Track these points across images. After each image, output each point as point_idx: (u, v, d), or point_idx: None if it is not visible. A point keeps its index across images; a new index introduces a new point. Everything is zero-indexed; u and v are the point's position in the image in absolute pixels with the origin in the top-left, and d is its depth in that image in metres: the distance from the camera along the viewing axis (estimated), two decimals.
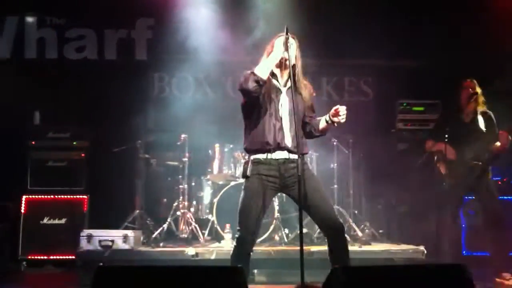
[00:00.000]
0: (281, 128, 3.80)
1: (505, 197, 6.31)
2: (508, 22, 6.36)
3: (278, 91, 3.89)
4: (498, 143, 5.22)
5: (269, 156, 3.80)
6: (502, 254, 5.37)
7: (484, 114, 5.47)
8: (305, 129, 4.00)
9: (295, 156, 3.78)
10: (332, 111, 3.79)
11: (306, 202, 3.75)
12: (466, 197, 5.77)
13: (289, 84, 3.86)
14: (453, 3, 7.04)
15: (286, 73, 3.89)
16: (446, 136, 5.34)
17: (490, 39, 6.74)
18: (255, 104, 3.82)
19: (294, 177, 3.75)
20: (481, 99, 5.49)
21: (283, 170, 3.79)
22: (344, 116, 3.75)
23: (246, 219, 3.77)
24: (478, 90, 5.44)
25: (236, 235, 3.83)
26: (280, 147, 3.79)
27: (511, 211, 6.33)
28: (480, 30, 6.81)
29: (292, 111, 3.77)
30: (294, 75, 3.84)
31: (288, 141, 3.80)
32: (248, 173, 3.80)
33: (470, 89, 5.44)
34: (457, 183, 5.32)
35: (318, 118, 3.99)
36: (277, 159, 3.81)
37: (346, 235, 3.88)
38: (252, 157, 3.84)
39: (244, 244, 3.81)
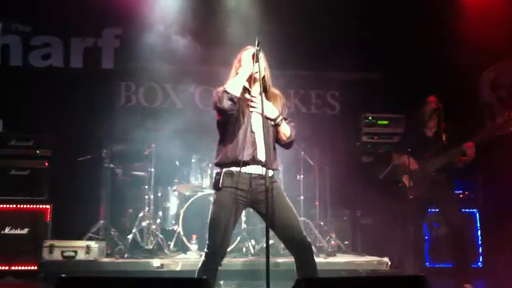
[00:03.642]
0: (255, 142, 3.76)
1: (466, 210, 6.46)
2: (470, 41, 6.55)
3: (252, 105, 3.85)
4: (463, 157, 5.33)
5: (243, 169, 3.74)
6: (464, 266, 5.48)
7: (446, 128, 5.59)
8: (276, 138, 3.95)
9: (268, 172, 3.74)
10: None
11: (275, 221, 3.73)
12: (430, 210, 5.88)
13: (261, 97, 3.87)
14: (420, 18, 7.21)
15: (256, 86, 3.84)
16: (410, 149, 5.42)
17: (457, 56, 6.92)
18: (230, 119, 3.78)
19: (265, 194, 3.68)
20: (443, 114, 5.60)
21: (255, 184, 3.73)
22: (258, 104, 3.72)
23: (217, 232, 3.71)
24: (441, 105, 5.55)
25: (206, 250, 3.76)
26: (254, 161, 3.74)
27: (472, 223, 6.51)
28: (447, 47, 6.99)
29: (264, 124, 3.73)
30: (265, 86, 3.85)
31: (262, 156, 3.72)
32: (220, 185, 3.75)
33: (433, 104, 5.55)
34: (420, 195, 5.41)
35: None
36: (250, 173, 3.76)
37: (313, 255, 3.83)
38: (225, 169, 3.78)
39: (213, 259, 3.74)
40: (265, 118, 3.76)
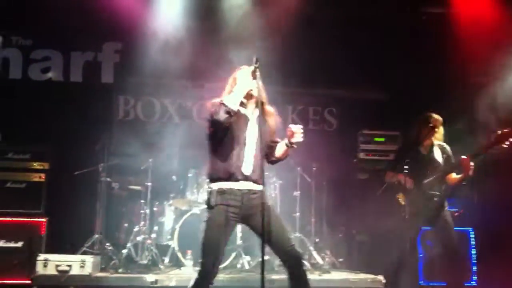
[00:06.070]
0: (247, 158, 3.80)
1: (461, 228, 6.46)
2: (471, 61, 6.61)
3: (246, 120, 3.90)
4: (456, 176, 5.34)
5: (233, 186, 3.80)
6: (458, 285, 5.47)
7: (440, 146, 5.60)
8: (264, 153, 4.00)
9: (258, 187, 3.81)
10: (288, 132, 3.83)
11: (268, 233, 3.75)
12: (423, 228, 5.87)
13: (256, 113, 3.91)
14: (418, 38, 7.29)
15: (252, 102, 3.92)
16: (406, 167, 5.42)
17: (453, 76, 6.98)
18: (223, 133, 3.82)
19: (255, 208, 3.76)
20: (440, 132, 5.61)
21: (246, 200, 3.78)
22: (300, 134, 3.78)
23: (211, 251, 3.75)
24: (438, 124, 5.56)
25: (200, 268, 3.78)
26: (245, 177, 3.79)
27: (466, 242, 6.51)
28: (444, 67, 7.05)
29: (258, 140, 3.80)
30: (261, 103, 3.90)
31: (254, 172, 3.79)
32: (212, 203, 3.79)
33: (430, 123, 5.55)
34: (415, 213, 5.40)
35: (278, 143, 4.04)
36: (241, 189, 3.81)
37: (305, 265, 3.90)
38: (216, 186, 3.82)
39: (207, 277, 3.78)
40: (291, 145, 3.82)
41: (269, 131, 4.00)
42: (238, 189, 3.80)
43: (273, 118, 4.04)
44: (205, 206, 6.32)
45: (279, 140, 4.04)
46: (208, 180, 3.91)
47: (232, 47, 6.79)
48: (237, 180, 3.79)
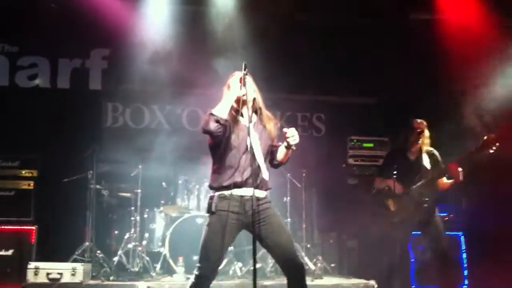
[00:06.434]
0: (248, 165, 3.79)
1: (451, 233, 6.52)
2: (458, 67, 6.70)
3: (245, 128, 3.90)
4: (447, 181, 5.38)
5: (235, 192, 3.78)
6: None
7: (429, 152, 5.64)
8: (268, 159, 4.02)
9: (261, 193, 3.81)
10: (283, 136, 3.83)
11: (269, 241, 3.77)
12: (415, 232, 5.92)
13: (253, 119, 3.93)
14: (406, 44, 7.36)
15: (248, 109, 3.91)
16: (395, 173, 5.46)
17: (441, 81, 7.06)
18: (222, 142, 3.83)
19: (259, 215, 3.75)
20: (428, 138, 5.65)
21: (248, 207, 3.76)
22: (296, 136, 3.79)
23: (209, 256, 3.73)
24: (425, 129, 5.61)
25: (196, 272, 3.76)
26: (246, 184, 3.78)
27: (457, 246, 6.57)
28: (431, 72, 7.13)
29: (257, 147, 3.81)
30: (256, 109, 3.92)
31: (255, 177, 3.76)
32: (213, 209, 3.77)
33: (418, 129, 5.60)
34: (405, 219, 5.44)
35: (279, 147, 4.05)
36: (243, 196, 3.79)
37: (306, 277, 3.87)
38: (218, 192, 3.82)
39: (204, 282, 3.76)
40: (289, 146, 3.83)
41: (269, 136, 4.00)
42: (240, 195, 3.79)
43: (272, 123, 4.03)
44: (196, 213, 6.48)
45: (280, 143, 4.05)
46: (210, 188, 3.90)
47: (220, 53, 6.82)
48: (239, 186, 3.78)
